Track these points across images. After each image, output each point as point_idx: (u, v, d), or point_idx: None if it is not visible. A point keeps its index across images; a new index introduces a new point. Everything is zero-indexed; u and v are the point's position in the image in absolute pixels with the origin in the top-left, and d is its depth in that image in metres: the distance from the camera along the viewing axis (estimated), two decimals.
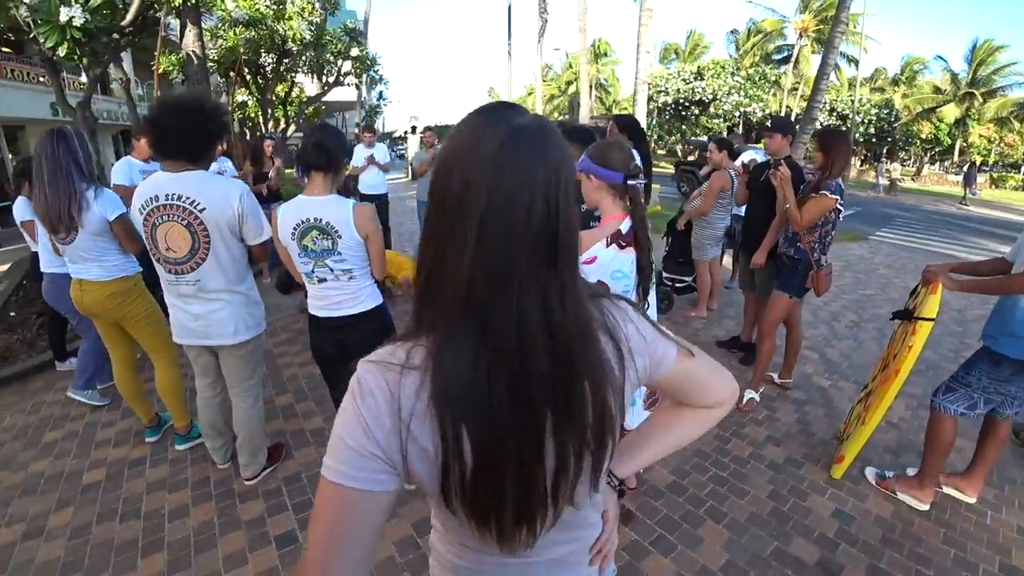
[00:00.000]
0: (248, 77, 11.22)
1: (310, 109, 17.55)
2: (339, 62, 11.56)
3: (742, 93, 25.46)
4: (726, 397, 0.86)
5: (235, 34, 9.58)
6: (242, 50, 9.77)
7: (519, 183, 0.57)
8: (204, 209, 2.17)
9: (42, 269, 3.26)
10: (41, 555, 2.14)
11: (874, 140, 29.14)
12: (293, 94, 13.03)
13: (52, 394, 3.48)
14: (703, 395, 0.84)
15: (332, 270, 2.09)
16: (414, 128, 6.75)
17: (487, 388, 0.58)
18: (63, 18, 5.01)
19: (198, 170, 2.22)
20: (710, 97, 25.58)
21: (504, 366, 0.58)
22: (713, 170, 4.39)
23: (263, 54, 10.29)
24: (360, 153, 6.90)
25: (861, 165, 32.19)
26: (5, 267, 6.02)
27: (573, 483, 0.64)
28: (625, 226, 1.78)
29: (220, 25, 9.93)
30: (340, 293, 2.13)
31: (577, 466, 0.63)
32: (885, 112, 27.97)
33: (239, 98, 12.80)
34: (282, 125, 13.18)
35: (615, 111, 32.00)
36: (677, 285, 4.82)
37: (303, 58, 11.09)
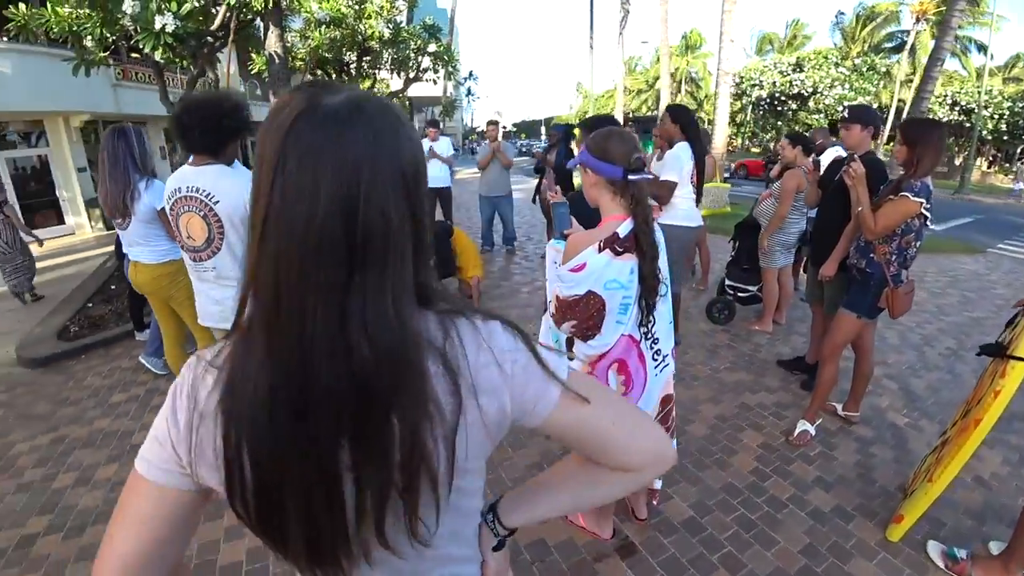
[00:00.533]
0: (333, 75, 11.79)
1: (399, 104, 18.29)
2: (419, 58, 11.83)
3: (847, 85, 23.14)
4: (641, 464, 0.66)
5: (320, 34, 10.08)
6: (326, 49, 10.26)
7: (301, 176, 0.49)
8: (218, 202, 2.29)
9: (123, 250, 3.68)
10: (84, 502, 2.41)
11: (1006, 138, 25.36)
12: (376, 90, 13.57)
13: (127, 360, 3.92)
14: (605, 454, 0.66)
15: None
16: (494, 123, 6.78)
17: (270, 404, 0.51)
18: (157, 25, 5.50)
19: (219, 164, 2.34)
20: (810, 90, 23.53)
21: (287, 384, 0.51)
22: (785, 169, 3.94)
23: (345, 52, 10.74)
24: (424, 147, 7.01)
25: (988, 167, 28.21)
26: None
27: (378, 523, 0.55)
28: (624, 228, 1.57)
29: (307, 27, 10.51)
30: None
31: (378, 506, 0.55)
32: (1021, 106, 24.18)
33: None
34: None
35: (707, 106, 30.37)
36: (740, 295, 4.39)
37: (383, 56, 11.46)
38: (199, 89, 7.07)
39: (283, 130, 0.49)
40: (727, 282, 4.45)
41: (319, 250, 0.49)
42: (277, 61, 7.49)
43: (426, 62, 12.02)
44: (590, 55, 16.86)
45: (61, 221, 11.02)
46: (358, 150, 0.50)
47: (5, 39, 8.66)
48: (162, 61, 6.64)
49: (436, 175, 6.99)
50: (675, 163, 3.47)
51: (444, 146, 7.13)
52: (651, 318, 1.69)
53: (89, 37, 6.20)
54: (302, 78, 12.00)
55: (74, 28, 6.18)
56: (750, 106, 25.85)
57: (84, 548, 2.13)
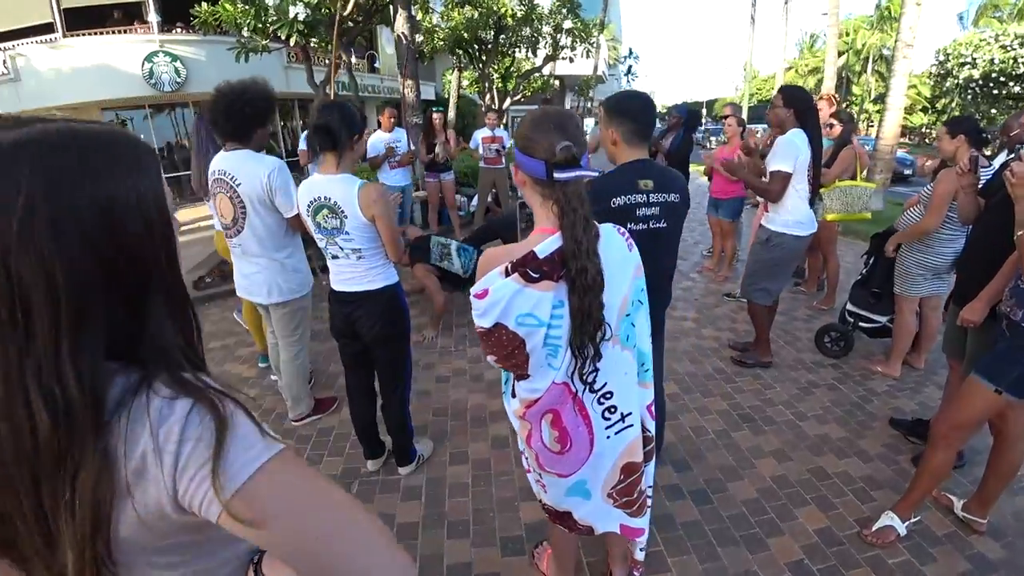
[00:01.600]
0: (473, 54, 12.02)
1: (538, 83, 18.16)
2: (557, 36, 11.49)
3: None
4: None
5: (459, 14, 10.30)
6: (463, 28, 10.45)
7: None
8: (240, 184, 2.44)
9: None
10: None
11: None
12: (514, 68, 13.57)
13: (233, 313, 4.34)
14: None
15: (342, 248, 2.10)
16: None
17: None
18: (291, 14, 6.03)
19: (245, 150, 2.48)
20: None
21: None
22: (942, 167, 2.94)
23: (481, 32, 10.83)
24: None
25: None
26: None
27: None
28: (545, 247, 1.16)
29: (446, 8, 10.82)
30: (350, 270, 2.15)
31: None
32: None
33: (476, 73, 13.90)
34: (509, 99, 13.91)
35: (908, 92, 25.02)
36: (863, 324, 3.46)
37: (519, 34, 11.34)
38: (327, 71, 7.62)
39: None
40: (849, 307, 3.53)
41: None
42: (404, 42, 7.76)
43: (565, 39, 11.60)
44: (751, 29, 14.70)
45: None
46: (11, 190, 0.46)
47: (195, 33, 10.23)
48: (301, 44, 7.28)
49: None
50: (787, 149, 2.86)
51: None
52: (594, 367, 1.28)
53: (246, 28, 7.04)
54: (453, 59, 12.43)
55: (236, 21, 7.03)
56: (957, 89, 20.38)
57: None
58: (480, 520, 2.19)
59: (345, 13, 7.19)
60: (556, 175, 1.15)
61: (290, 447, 0.57)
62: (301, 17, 6.06)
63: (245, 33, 7.33)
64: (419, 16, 11.15)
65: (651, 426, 1.48)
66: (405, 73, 7.94)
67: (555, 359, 1.24)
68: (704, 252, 6.11)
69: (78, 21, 11.28)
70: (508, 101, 13.72)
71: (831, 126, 4.20)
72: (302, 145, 5.52)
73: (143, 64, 10.79)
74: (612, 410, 1.34)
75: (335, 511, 0.56)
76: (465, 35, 10.88)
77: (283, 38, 6.34)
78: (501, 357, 1.26)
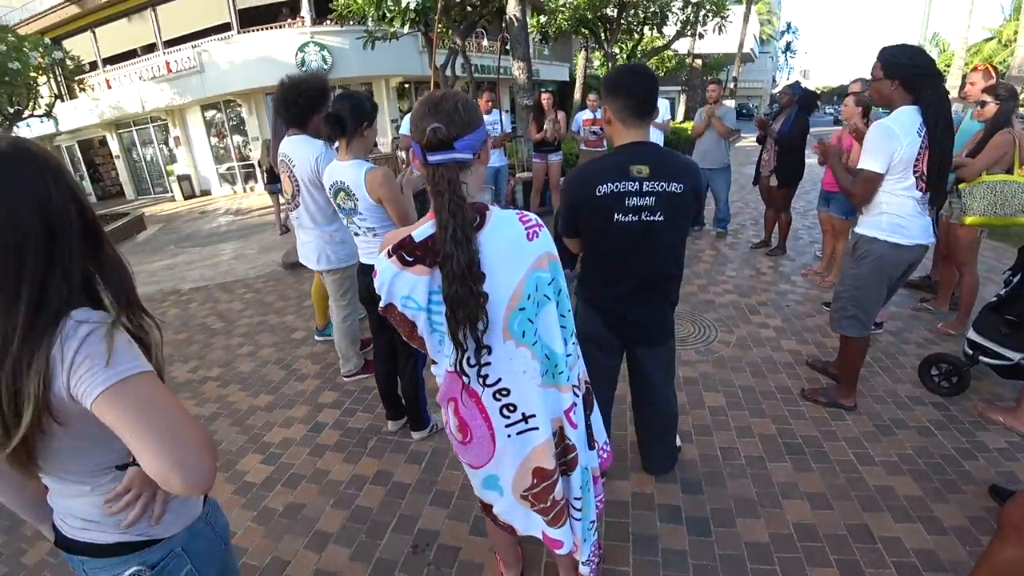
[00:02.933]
0: (598, 33, 11.65)
1: (672, 62, 17.07)
2: (687, 11, 10.65)
3: None
4: (155, 475, 0.75)
5: None
6: (585, 7, 10.15)
7: None
8: (295, 165, 2.83)
9: None
10: (205, 390, 3.40)
11: None
12: (641, 47, 12.86)
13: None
14: (138, 456, 0.77)
15: (359, 227, 2.34)
16: (717, 82, 5.52)
17: None
18: (403, 4, 6.36)
19: (303, 135, 2.84)
20: None
21: None
22: None
23: (603, 9, 10.42)
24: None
25: None
26: None
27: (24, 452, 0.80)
28: (421, 231, 1.15)
29: None
30: (368, 246, 2.39)
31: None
32: None
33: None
34: None
35: None
36: (990, 360, 2.76)
37: (646, 10, 10.72)
38: (447, 55, 7.92)
39: None
40: (971, 335, 2.82)
41: None
42: (516, 24, 7.77)
43: (694, 14, 10.70)
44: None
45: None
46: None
47: (337, 24, 11.22)
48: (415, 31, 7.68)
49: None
50: (878, 140, 2.31)
51: (661, 108, 6.36)
52: (484, 360, 1.22)
53: (370, 18, 7.58)
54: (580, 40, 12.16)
55: (361, 11, 7.60)
56: None
57: None
58: (464, 495, 2.29)
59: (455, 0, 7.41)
60: (428, 158, 1.10)
61: (151, 373, 0.80)
62: (412, 5, 6.36)
63: (370, 23, 7.92)
64: None
65: (574, 436, 1.35)
66: (516, 55, 7.99)
67: (443, 346, 1.22)
68: (817, 252, 5.33)
69: (249, 19, 13.08)
70: None
71: (983, 104, 3.35)
72: (403, 129, 5.84)
73: (296, 54, 12.21)
74: (511, 408, 1.29)
75: (169, 410, 0.78)
76: (588, 14, 10.56)
77: (396, 25, 6.74)
78: (406, 335, 1.26)
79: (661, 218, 1.67)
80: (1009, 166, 3.26)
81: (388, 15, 6.88)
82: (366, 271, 2.38)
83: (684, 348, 3.49)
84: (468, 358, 1.19)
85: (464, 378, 1.22)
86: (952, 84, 9.71)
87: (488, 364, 1.23)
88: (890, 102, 2.35)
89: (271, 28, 12.99)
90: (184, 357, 4.12)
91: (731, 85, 17.25)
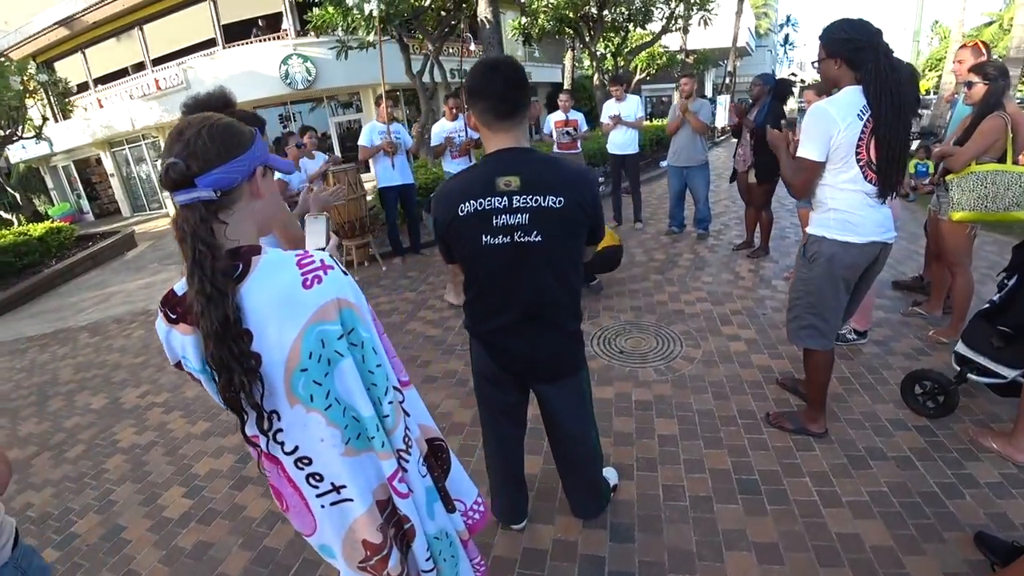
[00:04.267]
0: (581, 32, 11.38)
1: (663, 59, 16.74)
2: (671, 5, 10.33)
3: None
4: None
5: None
6: (564, 6, 9.88)
7: None
8: None
9: None
10: (149, 417, 3.41)
11: None
12: (626, 44, 12.53)
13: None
14: None
15: None
16: (690, 76, 5.15)
17: None
18: (366, 12, 6.17)
19: None
20: None
21: None
22: None
23: (584, 6, 10.15)
24: (607, 110, 6.16)
25: None
26: None
27: None
28: (183, 284, 0.92)
29: None
30: None
31: None
32: None
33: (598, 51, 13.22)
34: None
35: None
36: (982, 377, 2.41)
37: (630, 6, 10.43)
38: (423, 61, 7.71)
39: None
40: (961, 348, 2.47)
41: None
42: (487, 27, 7.55)
43: (679, 8, 10.38)
44: None
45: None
46: None
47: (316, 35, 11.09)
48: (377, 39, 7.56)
49: (621, 140, 6.14)
50: (812, 126, 2.04)
51: (631, 107, 6.06)
52: (273, 425, 0.98)
53: (340, 28, 7.40)
54: (566, 40, 11.92)
55: (332, 22, 7.44)
56: None
57: None
58: None
59: (426, 3, 7.20)
60: (173, 197, 0.90)
61: None
62: (375, 13, 6.16)
63: (340, 32, 7.73)
64: None
65: (405, 506, 1.08)
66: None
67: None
68: None
69: (234, 34, 13.02)
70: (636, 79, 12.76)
71: (970, 85, 3.01)
72: (361, 140, 5.61)
73: (280, 66, 12.09)
74: (317, 478, 1.06)
75: None
76: (569, 13, 10.30)
77: (360, 33, 6.56)
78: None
79: (538, 238, 1.39)
80: (1001, 154, 2.92)
81: (353, 24, 6.70)
82: None
83: (643, 366, 3.18)
84: (248, 423, 0.96)
85: (261, 443, 1.01)
86: (949, 72, 9.29)
87: (281, 430, 1.00)
88: (839, 85, 2.07)
89: (255, 42, 12.90)
90: (137, 381, 3.96)
91: (727, 80, 16.87)
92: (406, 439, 1.10)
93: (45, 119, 12.46)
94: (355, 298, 0.97)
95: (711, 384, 2.93)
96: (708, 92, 21.17)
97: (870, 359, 3.09)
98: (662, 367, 3.15)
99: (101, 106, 14.83)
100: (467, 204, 1.38)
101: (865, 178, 2.03)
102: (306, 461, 1.03)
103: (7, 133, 11.68)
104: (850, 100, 1.96)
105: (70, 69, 15.24)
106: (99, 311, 6.26)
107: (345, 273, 0.98)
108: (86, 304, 6.76)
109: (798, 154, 2.09)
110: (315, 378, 0.95)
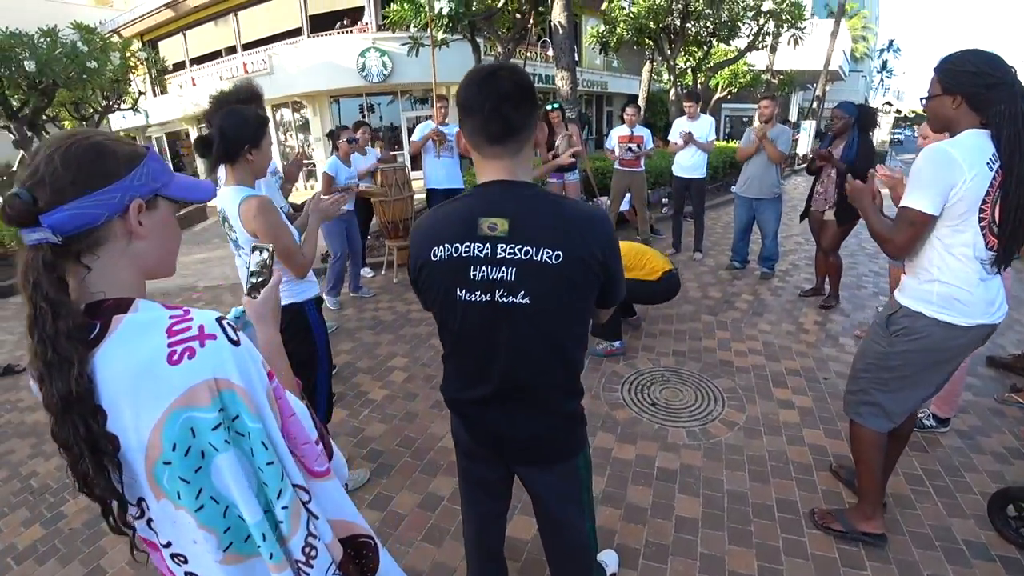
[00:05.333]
0: (660, 44, 10.92)
1: (747, 77, 15.87)
2: (760, 21, 9.66)
3: None
4: None
5: (643, 0, 9.34)
6: (645, 16, 9.48)
7: None
8: None
9: None
10: None
11: None
12: (708, 60, 11.88)
13: None
14: None
15: (245, 263, 1.92)
16: (870, 112, 4.55)
17: None
18: (437, 9, 6.10)
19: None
20: None
21: None
22: None
23: (666, 18, 9.69)
24: (678, 126, 5.78)
25: None
26: None
27: None
28: None
29: None
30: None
31: None
32: None
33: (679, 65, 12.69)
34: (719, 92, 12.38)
35: None
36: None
37: (717, 19, 9.86)
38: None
39: None
40: None
41: None
42: (560, 31, 7.32)
43: (768, 24, 9.70)
44: None
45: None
46: None
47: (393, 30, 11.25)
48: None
49: (688, 163, 5.74)
50: (932, 171, 1.63)
51: (704, 127, 5.64)
52: (141, 513, 0.80)
53: (412, 25, 7.40)
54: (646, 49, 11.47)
55: (406, 18, 7.46)
56: None
57: None
58: None
59: (500, 3, 7.06)
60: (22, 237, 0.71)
61: None
62: (445, 11, 6.08)
63: (412, 29, 7.74)
64: (605, 4, 10.51)
65: None
66: (560, 64, 7.52)
67: None
68: (879, 307, 4.40)
69: (319, 25, 13.47)
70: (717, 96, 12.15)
71: None
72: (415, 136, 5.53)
73: (357, 59, 12.38)
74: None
75: None
76: (650, 23, 9.87)
77: (431, 32, 6.50)
78: None
79: (526, 300, 1.11)
80: None
81: (424, 21, 6.68)
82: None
83: (675, 424, 2.83)
84: (112, 511, 0.78)
85: (136, 527, 0.83)
86: None
87: (151, 520, 0.81)
88: (952, 128, 1.68)
89: (335, 33, 13.30)
90: None
91: (814, 105, 15.72)
92: (308, 548, 0.87)
93: (142, 93, 13.38)
94: (241, 378, 0.75)
95: (750, 460, 2.55)
96: (793, 116, 19.86)
97: (950, 455, 2.60)
98: (696, 430, 2.79)
99: (194, 84, 15.78)
100: (441, 248, 1.13)
101: (985, 243, 1.65)
102: (182, 559, 0.84)
103: (109, 103, 12.65)
104: (978, 145, 1.59)
105: (171, 48, 16.35)
106: (152, 282, 6.53)
107: (236, 343, 0.76)
108: None
109: (906, 203, 1.69)
110: (182, 474, 0.74)
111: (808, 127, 13.73)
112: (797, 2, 9.72)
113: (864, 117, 3.96)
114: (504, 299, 1.11)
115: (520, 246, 1.08)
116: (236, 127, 1.81)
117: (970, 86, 1.57)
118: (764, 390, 3.18)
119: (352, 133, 4.95)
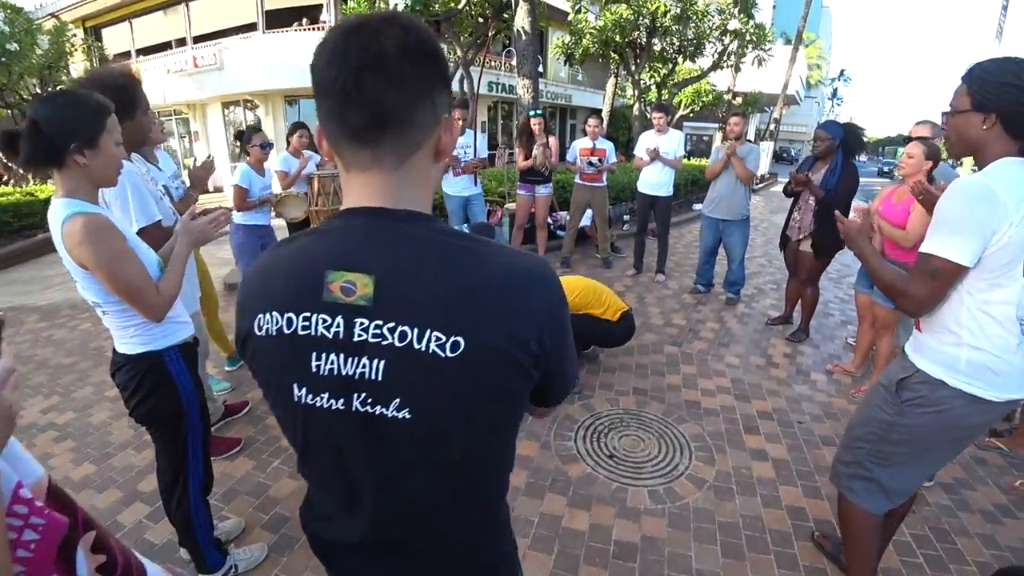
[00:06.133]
0: (626, 58, 10.80)
1: (709, 96, 16.02)
2: (725, 40, 9.67)
3: None
4: None
5: (610, 13, 9.17)
6: (611, 30, 9.31)
7: None
8: None
9: None
10: (37, 443, 2.59)
11: None
12: (672, 76, 11.86)
13: None
14: None
15: (85, 298, 1.53)
16: (739, 115, 4.43)
17: None
18: (391, 5, 5.67)
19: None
20: None
21: None
22: None
23: (632, 32, 9.56)
24: (643, 142, 5.49)
25: None
26: None
27: None
28: None
29: (604, 5, 9.72)
30: (112, 328, 1.59)
31: None
32: None
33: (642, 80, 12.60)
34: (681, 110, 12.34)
35: None
36: None
37: (682, 36, 9.80)
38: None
39: None
40: None
41: None
42: (524, 38, 7.01)
43: (732, 44, 9.72)
44: (997, 43, 10.36)
45: None
46: None
47: None
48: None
49: (654, 180, 5.43)
50: (969, 210, 1.29)
51: (672, 142, 5.35)
52: None
53: None
54: (611, 63, 11.35)
55: None
56: None
57: None
58: None
59: (460, 6, 6.71)
60: None
61: None
62: (400, 9, 5.67)
63: None
64: (571, 16, 10.33)
65: None
66: (521, 71, 7.21)
67: None
68: (849, 339, 4.20)
69: (276, 21, 12.83)
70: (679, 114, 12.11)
71: None
72: None
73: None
74: None
75: None
76: (616, 37, 9.71)
77: None
78: None
79: (403, 414, 0.64)
80: None
81: None
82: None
83: (635, 483, 2.46)
84: None
85: None
86: None
87: None
88: (978, 153, 1.35)
89: (291, 31, 12.69)
90: (51, 390, 3.37)
91: (771, 127, 16.05)
92: None
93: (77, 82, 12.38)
94: None
95: (722, 528, 2.19)
96: (751, 136, 20.36)
97: (938, 514, 2.32)
98: (660, 490, 2.42)
99: (140, 77, 14.82)
100: (268, 317, 0.66)
101: None
102: None
103: (42, 92, 11.63)
104: (1016, 175, 1.26)
105: (116, 37, 15.32)
106: (64, 290, 5.78)
107: None
108: (57, 280, 6.32)
109: (932, 250, 1.33)
110: None
111: (766, 148, 13.93)
112: (762, 24, 9.79)
113: (851, 139, 3.65)
114: (368, 409, 0.66)
115: (391, 324, 0.61)
116: (58, 119, 1.30)
117: (1014, 104, 1.24)
118: (735, 437, 2.85)
119: (265, 138, 4.29)
